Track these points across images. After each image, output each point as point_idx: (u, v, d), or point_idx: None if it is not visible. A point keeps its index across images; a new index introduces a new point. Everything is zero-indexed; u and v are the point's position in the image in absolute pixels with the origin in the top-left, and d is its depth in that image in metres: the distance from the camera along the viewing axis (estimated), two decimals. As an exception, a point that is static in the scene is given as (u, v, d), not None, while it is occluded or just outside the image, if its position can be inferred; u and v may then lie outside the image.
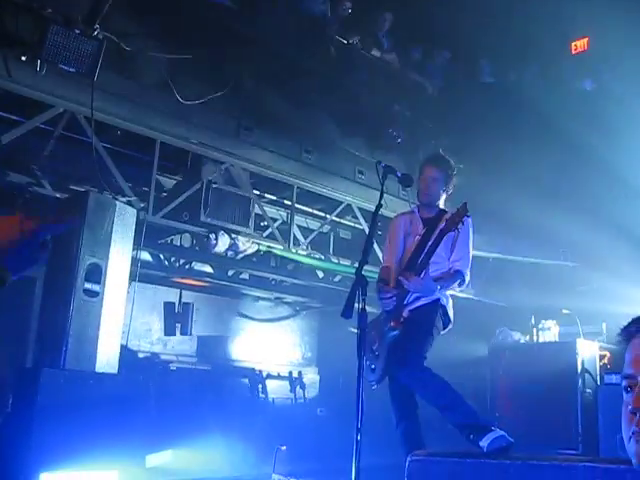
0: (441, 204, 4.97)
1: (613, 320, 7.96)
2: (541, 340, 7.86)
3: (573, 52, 10.40)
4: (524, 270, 9.76)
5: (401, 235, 4.97)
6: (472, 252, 4.87)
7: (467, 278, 4.77)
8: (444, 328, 4.78)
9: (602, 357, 7.42)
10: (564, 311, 8.83)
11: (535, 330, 7.96)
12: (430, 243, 4.67)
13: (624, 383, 1.51)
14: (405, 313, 4.66)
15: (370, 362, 4.69)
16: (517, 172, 8.11)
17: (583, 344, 7.18)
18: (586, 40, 10.41)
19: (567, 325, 7.96)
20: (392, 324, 4.62)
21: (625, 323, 1.58)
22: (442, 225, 4.64)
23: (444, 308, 4.77)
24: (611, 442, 5.77)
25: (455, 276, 4.71)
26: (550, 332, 7.88)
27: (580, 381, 6.94)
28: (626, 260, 8.34)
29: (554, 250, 9.16)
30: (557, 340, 7.78)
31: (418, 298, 4.69)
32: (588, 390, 6.88)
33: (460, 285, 4.86)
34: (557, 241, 9.11)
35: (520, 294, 9.76)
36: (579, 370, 6.98)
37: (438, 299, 4.72)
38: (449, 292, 4.90)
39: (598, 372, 7.09)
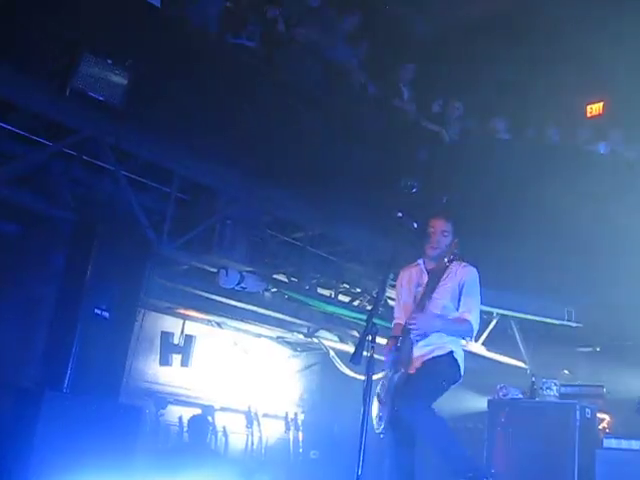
0: (449, 253, 5.00)
1: (613, 384, 7.97)
2: (541, 399, 7.84)
3: (588, 115, 10.57)
4: (526, 326, 9.77)
5: (407, 290, 5.00)
6: (479, 304, 4.87)
7: (475, 328, 4.75)
8: (454, 382, 4.78)
9: (601, 420, 7.40)
10: (565, 371, 8.84)
11: (536, 388, 7.95)
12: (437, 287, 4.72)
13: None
14: (418, 363, 4.67)
15: (378, 410, 4.70)
16: (525, 227, 8.14)
17: (583, 406, 7.16)
18: (601, 104, 10.59)
19: (567, 386, 7.96)
20: (402, 370, 4.63)
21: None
22: (449, 275, 4.71)
23: (456, 362, 4.76)
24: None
25: (462, 323, 4.70)
26: (550, 391, 7.87)
27: (578, 442, 6.89)
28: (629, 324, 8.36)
29: (559, 309, 9.18)
30: (557, 400, 7.76)
31: (432, 350, 4.70)
32: (586, 453, 6.84)
33: (467, 335, 4.88)
34: (562, 300, 9.13)
35: (522, 350, 9.77)
36: (577, 432, 6.95)
37: (452, 352, 4.72)
38: (459, 342, 4.87)
39: (597, 435, 7.06)
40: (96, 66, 5.74)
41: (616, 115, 10.28)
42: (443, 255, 4.83)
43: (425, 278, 4.84)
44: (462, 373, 4.80)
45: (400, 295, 5.05)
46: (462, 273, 4.72)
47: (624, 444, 6.25)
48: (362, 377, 4.25)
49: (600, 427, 7.34)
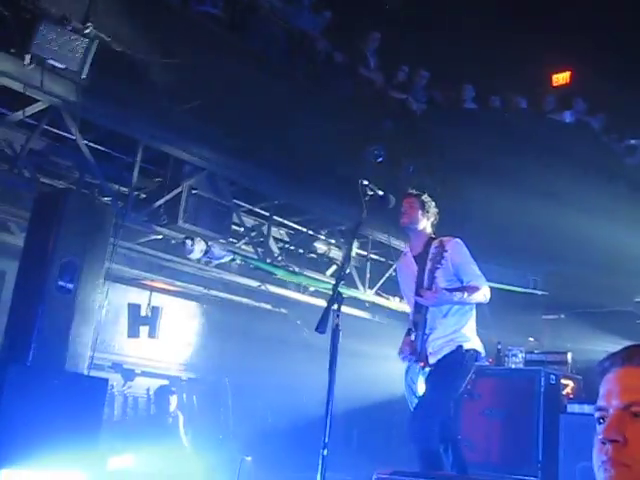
0: (427, 231, 5.03)
1: (578, 350, 8.09)
2: (507, 366, 7.94)
3: (554, 84, 10.61)
4: (493, 295, 9.85)
5: (404, 282, 5.09)
6: (479, 270, 4.85)
7: (487, 291, 4.77)
8: (473, 368, 4.82)
9: (565, 386, 7.52)
10: (530, 339, 8.96)
11: (502, 355, 8.04)
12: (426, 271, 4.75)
13: (596, 415, 1.58)
14: (432, 360, 4.71)
15: (409, 396, 4.83)
16: (492, 196, 8.18)
17: (547, 372, 7.27)
18: (568, 74, 10.63)
19: (533, 353, 8.07)
20: (421, 364, 4.70)
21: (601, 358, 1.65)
22: (434, 253, 4.71)
23: (468, 352, 4.76)
24: (571, 471, 5.85)
25: (473, 290, 4.71)
26: (516, 359, 7.97)
27: (542, 409, 7.00)
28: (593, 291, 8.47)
29: (524, 277, 9.27)
30: (522, 367, 7.87)
31: (441, 347, 4.72)
32: (550, 418, 6.95)
33: (483, 300, 4.82)
34: (529, 268, 9.23)
35: (489, 319, 9.87)
36: (542, 398, 7.05)
37: (459, 346, 4.73)
38: (470, 333, 4.87)
39: (561, 400, 7.18)
40: (55, 33, 5.60)
41: (582, 85, 10.34)
42: (415, 226, 4.90)
43: (414, 267, 4.91)
44: (481, 351, 4.84)
45: (403, 292, 5.14)
46: (448, 249, 4.70)
47: (586, 409, 6.35)
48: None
49: (564, 393, 7.45)
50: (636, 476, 1.42)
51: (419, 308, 4.77)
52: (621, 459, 1.43)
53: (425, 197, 5.09)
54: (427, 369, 4.70)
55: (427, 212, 5.01)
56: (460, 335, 4.78)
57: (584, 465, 5.49)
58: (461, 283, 4.78)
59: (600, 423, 1.55)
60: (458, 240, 4.83)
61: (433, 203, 5.09)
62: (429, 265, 4.72)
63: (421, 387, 4.70)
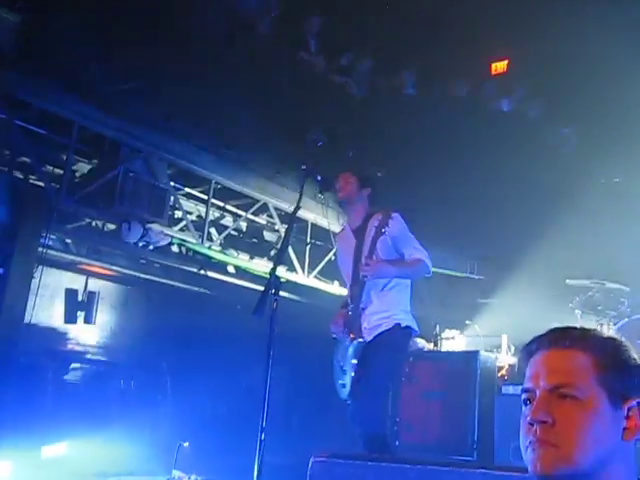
0: (365, 207, 5.00)
1: (512, 333, 8.27)
2: (444, 349, 8.06)
3: (493, 73, 10.72)
4: (431, 279, 9.99)
5: (341, 256, 5.04)
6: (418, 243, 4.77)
7: (430, 264, 4.70)
8: (409, 347, 4.82)
9: (500, 368, 7.67)
10: (467, 322, 9.11)
11: (439, 339, 8.16)
12: (366, 243, 4.70)
13: (523, 396, 1.61)
14: (368, 336, 4.67)
15: (339, 378, 4.71)
16: (431, 181, 8.27)
17: (483, 355, 7.40)
18: (506, 62, 10.75)
19: (470, 336, 8.21)
20: (351, 336, 4.65)
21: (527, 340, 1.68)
22: (373, 227, 4.64)
23: (404, 330, 4.71)
24: (505, 451, 5.98)
25: (416, 262, 4.65)
26: (454, 341, 8.10)
27: (478, 391, 7.12)
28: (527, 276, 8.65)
29: (462, 262, 9.42)
30: (459, 349, 7.99)
31: (378, 324, 4.70)
32: (485, 400, 7.08)
33: (426, 272, 4.77)
34: (465, 253, 9.37)
35: (426, 303, 10.01)
36: (478, 380, 7.17)
37: (398, 323, 4.67)
38: (406, 310, 4.87)
39: (496, 382, 7.32)
40: (-15, 9, 5.42)
41: (520, 73, 10.46)
42: (353, 200, 4.88)
43: (352, 241, 4.87)
44: (416, 329, 4.80)
45: (341, 266, 5.08)
46: (388, 223, 4.59)
47: (520, 390, 6.50)
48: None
49: (499, 375, 7.59)
50: (563, 455, 1.45)
51: (356, 281, 4.70)
52: (549, 439, 1.46)
53: (363, 169, 5.07)
54: (356, 342, 4.64)
55: (363, 186, 4.94)
56: (397, 312, 4.73)
57: (517, 444, 5.62)
58: (402, 257, 4.73)
59: (527, 404, 1.58)
60: (397, 214, 4.71)
61: (371, 175, 5.08)
62: (368, 238, 4.66)
63: (352, 362, 4.63)
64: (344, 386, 4.67)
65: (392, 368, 4.77)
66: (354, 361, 4.62)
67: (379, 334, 4.66)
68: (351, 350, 4.64)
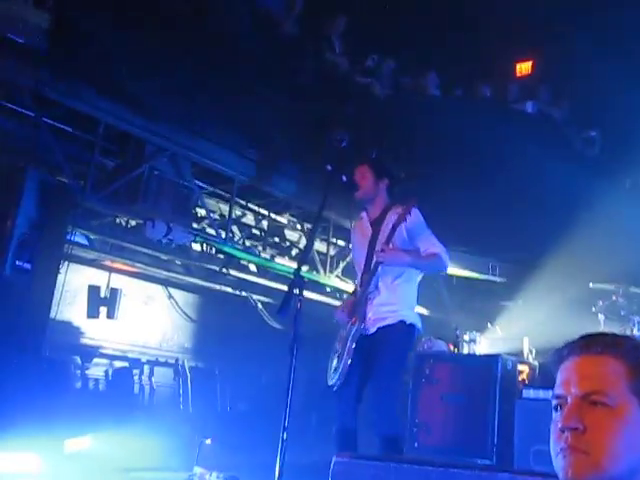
0: (384, 199, 4.99)
1: (534, 336, 8.22)
2: (465, 351, 8.04)
3: (518, 74, 10.70)
4: (452, 281, 9.97)
5: (356, 246, 5.04)
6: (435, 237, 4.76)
7: (446, 259, 4.69)
8: (412, 345, 4.82)
9: (521, 372, 7.63)
10: (488, 324, 9.06)
11: (460, 341, 8.13)
12: (383, 232, 4.68)
13: (554, 402, 1.61)
14: (372, 327, 4.68)
15: (333, 362, 4.71)
16: (455, 183, 8.24)
17: (504, 358, 7.37)
18: (530, 63, 10.72)
19: (491, 339, 8.18)
20: (353, 320, 4.65)
21: (559, 345, 1.68)
22: (391, 219, 4.64)
23: (409, 327, 4.72)
24: (525, 454, 5.95)
25: (432, 257, 4.64)
26: (474, 344, 8.07)
27: (499, 394, 7.09)
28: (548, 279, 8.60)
29: (483, 264, 9.37)
30: (480, 352, 7.97)
31: (384, 317, 4.70)
32: (506, 403, 7.05)
33: (442, 268, 4.81)
34: (487, 255, 9.32)
35: (447, 304, 9.99)
36: (498, 383, 7.14)
37: (402, 320, 4.67)
38: (412, 306, 4.85)
39: (517, 386, 7.29)
40: (15, 6, 5.48)
41: (545, 74, 10.42)
42: (371, 196, 4.87)
43: (369, 230, 4.87)
44: (419, 328, 4.80)
45: (354, 254, 5.09)
46: (405, 215, 4.57)
47: (541, 394, 6.45)
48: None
49: (520, 378, 7.56)
50: (594, 462, 1.45)
51: (368, 269, 4.69)
52: (580, 446, 1.47)
53: (379, 161, 5.06)
54: (356, 327, 4.58)
55: (380, 177, 4.95)
56: (403, 308, 4.72)
57: (538, 448, 5.59)
58: (417, 250, 4.69)
59: (557, 410, 1.58)
60: (416, 209, 4.68)
61: (385, 166, 5.06)
62: (386, 228, 4.65)
63: (350, 347, 4.58)
64: (336, 370, 4.64)
65: (397, 368, 4.72)
66: (353, 345, 4.60)
67: (382, 327, 4.65)
68: (351, 335, 4.62)
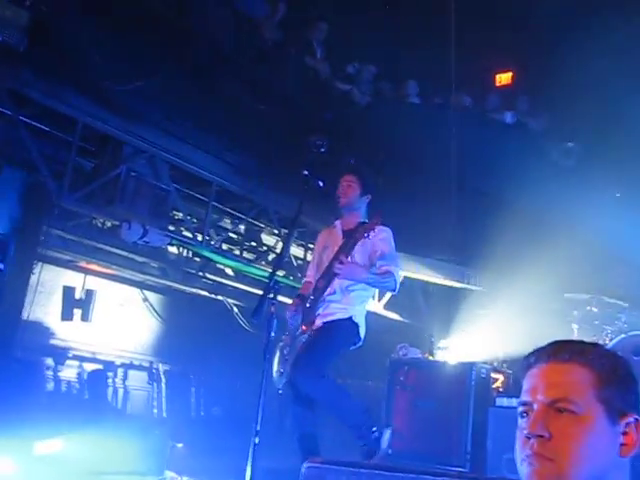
0: (362, 213, 5.04)
1: (509, 345, 8.26)
2: (440, 359, 8.05)
3: (497, 84, 10.76)
4: (428, 289, 10.00)
5: (321, 249, 5.05)
6: (398, 260, 4.90)
7: (398, 281, 4.78)
8: (353, 345, 4.85)
9: (495, 380, 7.66)
10: (463, 332, 9.09)
11: (435, 348, 8.16)
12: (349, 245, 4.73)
13: (520, 409, 1.61)
14: (318, 322, 4.71)
15: (279, 366, 4.73)
16: (430, 191, 8.26)
17: (479, 366, 7.40)
18: (510, 74, 10.79)
19: (466, 347, 8.20)
20: (303, 328, 4.67)
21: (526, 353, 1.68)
22: (361, 234, 4.68)
23: (357, 327, 4.81)
24: (497, 462, 5.97)
25: (386, 275, 4.72)
26: (449, 351, 8.10)
27: (473, 402, 7.11)
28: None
29: (460, 272, 9.40)
30: (455, 360, 7.98)
31: (334, 312, 4.73)
32: (479, 411, 7.07)
33: (391, 288, 4.87)
34: (464, 263, 9.35)
35: (423, 311, 10.01)
36: (473, 391, 7.16)
37: (352, 316, 4.77)
38: (362, 315, 4.90)
39: (491, 394, 7.31)
40: (-6, 4, 5.43)
41: (524, 85, 10.50)
42: (353, 206, 4.91)
43: (339, 238, 4.90)
44: (362, 337, 4.86)
45: (314, 255, 5.11)
46: (376, 234, 4.67)
47: (515, 402, 6.47)
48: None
49: (494, 386, 7.59)
50: (559, 470, 1.45)
51: (326, 275, 4.76)
52: (545, 453, 1.47)
53: (366, 175, 5.12)
54: (306, 335, 4.68)
55: (365, 192, 5.02)
56: (355, 310, 4.81)
57: (510, 457, 5.62)
58: (367, 268, 4.77)
59: (523, 417, 1.58)
60: (388, 230, 4.84)
61: (372, 182, 5.15)
62: (352, 242, 4.70)
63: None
64: (282, 374, 4.71)
65: (332, 348, 4.78)
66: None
67: (328, 322, 4.73)
68: (300, 342, 4.69)
